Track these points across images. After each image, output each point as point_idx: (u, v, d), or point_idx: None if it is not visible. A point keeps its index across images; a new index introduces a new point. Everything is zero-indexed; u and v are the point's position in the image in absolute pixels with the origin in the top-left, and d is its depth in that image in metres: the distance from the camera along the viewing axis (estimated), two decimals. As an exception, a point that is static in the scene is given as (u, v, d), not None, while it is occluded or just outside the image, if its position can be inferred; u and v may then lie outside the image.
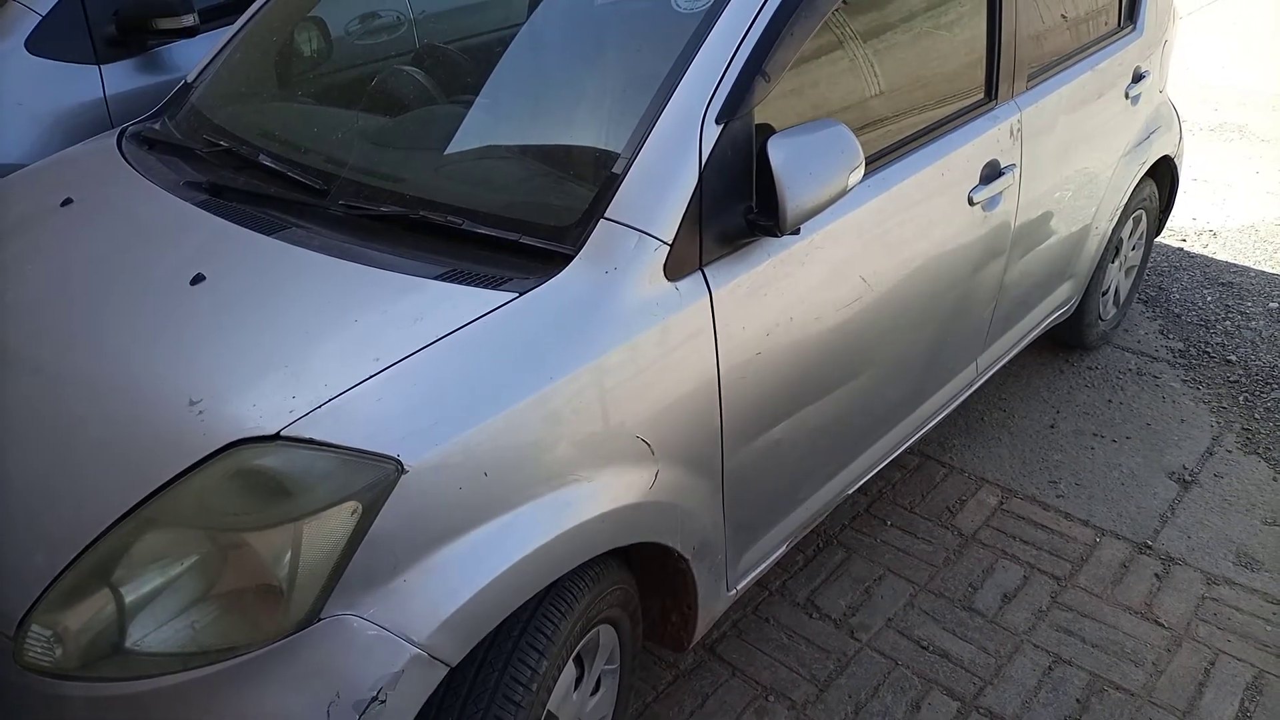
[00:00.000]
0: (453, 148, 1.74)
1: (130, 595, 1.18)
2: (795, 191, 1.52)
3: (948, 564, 2.41)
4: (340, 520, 1.19)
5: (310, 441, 1.22)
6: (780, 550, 2.00)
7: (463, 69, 2.03)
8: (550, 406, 1.36)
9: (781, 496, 1.92)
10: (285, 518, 1.18)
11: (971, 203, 2.14)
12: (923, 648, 2.17)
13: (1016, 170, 2.29)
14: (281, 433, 1.22)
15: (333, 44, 2.27)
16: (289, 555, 1.17)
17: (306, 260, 1.51)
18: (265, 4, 2.25)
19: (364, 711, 1.18)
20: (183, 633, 1.17)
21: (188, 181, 1.79)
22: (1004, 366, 2.79)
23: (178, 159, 1.91)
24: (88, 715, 1.19)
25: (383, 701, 1.19)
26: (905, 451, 2.48)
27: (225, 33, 2.25)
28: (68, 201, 1.80)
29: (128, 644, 1.17)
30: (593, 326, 1.44)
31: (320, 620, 1.19)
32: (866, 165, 1.73)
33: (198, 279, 1.49)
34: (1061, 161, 2.52)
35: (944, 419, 2.52)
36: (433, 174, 1.72)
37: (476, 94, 1.83)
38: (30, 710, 1.22)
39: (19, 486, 1.29)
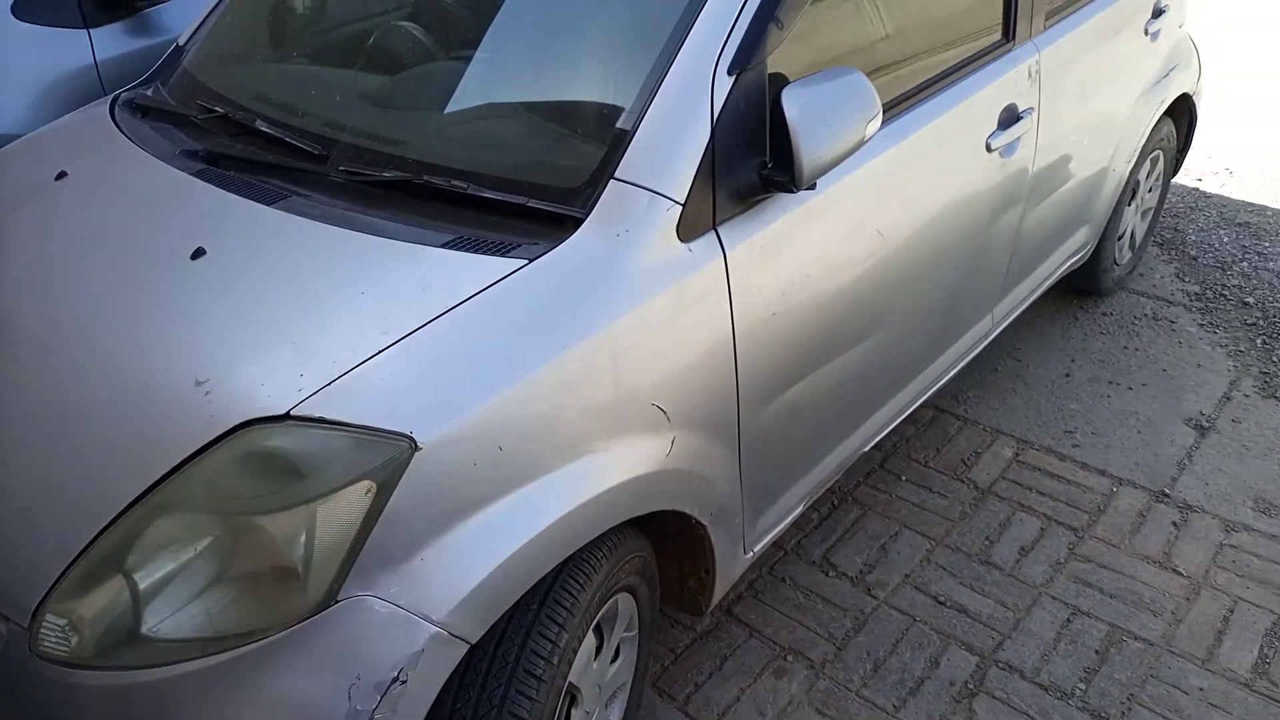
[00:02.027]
0: (454, 107, 1.68)
1: (144, 582, 1.16)
2: (812, 145, 1.47)
3: (964, 518, 2.39)
4: (354, 500, 1.17)
5: (321, 420, 1.19)
6: (797, 510, 1.98)
7: (463, 23, 1.96)
8: (563, 376, 1.33)
9: (799, 457, 1.90)
10: (298, 499, 1.16)
11: (989, 149, 2.08)
12: (940, 603, 2.16)
13: (1034, 114, 2.22)
14: (291, 412, 1.19)
15: (327, 0, 2.19)
16: (304, 537, 1.15)
17: (309, 230, 1.47)
18: (254, -41, 2.17)
19: (385, 692, 1.17)
20: (199, 618, 1.15)
21: (184, 150, 1.74)
22: (1018, 315, 2.74)
23: (172, 126, 1.85)
24: (105, 705, 1.18)
25: (404, 682, 1.18)
26: (920, 405, 2.45)
27: (214, -9, 2.17)
28: (62, 175, 1.75)
29: (143, 631, 1.15)
30: (604, 292, 1.40)
31: (338, 602, 1.17)
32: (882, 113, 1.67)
33: (198, 253, 1.45)
34: (1080, 103, 2.44)
35: (959, 371, 2.48)
36: (435, 135, 1.66)
37: (477, 49, 1.76)
38: (48, 700, 1.21)
39: (26, 472, 1.27)
